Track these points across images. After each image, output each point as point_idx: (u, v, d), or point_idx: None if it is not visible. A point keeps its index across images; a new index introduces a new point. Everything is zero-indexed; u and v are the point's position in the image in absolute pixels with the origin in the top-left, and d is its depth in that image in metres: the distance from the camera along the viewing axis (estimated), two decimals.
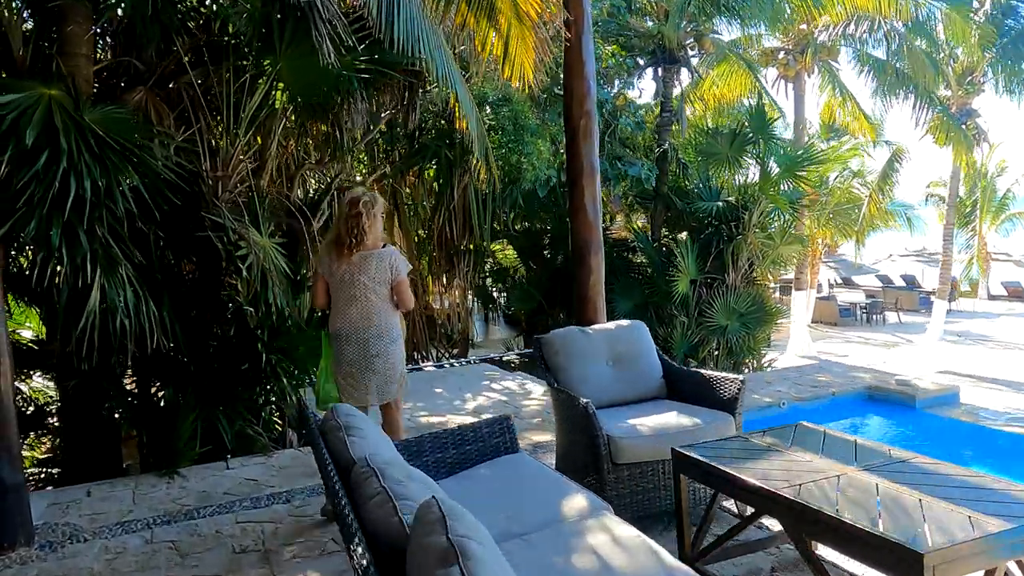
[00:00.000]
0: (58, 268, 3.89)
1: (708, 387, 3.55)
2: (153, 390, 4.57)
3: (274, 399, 4.75)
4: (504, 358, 9.56)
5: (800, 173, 8.89)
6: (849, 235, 16.55)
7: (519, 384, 7.19)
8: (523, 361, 9.52)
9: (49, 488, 4.82)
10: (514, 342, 10.70)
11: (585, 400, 3.08)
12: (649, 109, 10.76)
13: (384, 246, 3.81)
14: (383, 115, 7.00)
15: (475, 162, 6.67)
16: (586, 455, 3.12)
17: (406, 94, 5.91)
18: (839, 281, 26.94)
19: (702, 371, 3.59)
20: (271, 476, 4.19)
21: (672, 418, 3.26)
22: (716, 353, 9.39)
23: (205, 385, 4.36)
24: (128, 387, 4.33)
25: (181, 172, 4.66)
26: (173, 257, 4.99)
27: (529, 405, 6.18)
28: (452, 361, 9.18)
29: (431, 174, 9.73)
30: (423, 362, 10.22)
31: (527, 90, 4.89)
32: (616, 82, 10.18)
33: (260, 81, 4.94)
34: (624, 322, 3.78)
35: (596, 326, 3.57)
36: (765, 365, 9.93)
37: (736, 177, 10.02)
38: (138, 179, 4.09)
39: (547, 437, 4.91)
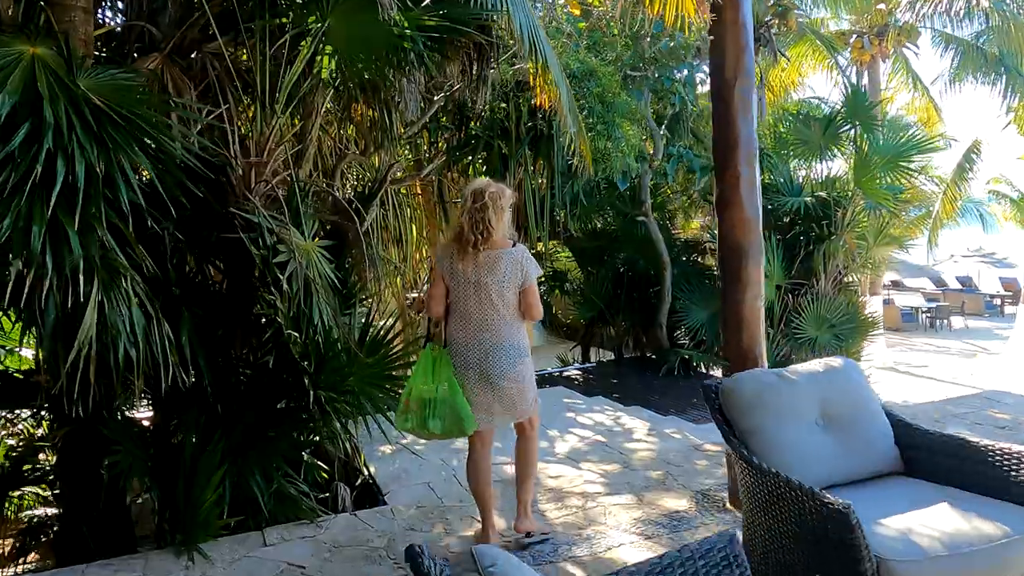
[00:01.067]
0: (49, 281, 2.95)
1: (984, 462, 2.38)
2: (170, 437, 3.60)
3: (324, 444, 3.78)
4: (564, 373, 8.52)
5: (905, 163, 7.77)
6: (915, 234, 15.33)
7: (611, 416, 6.10)
8: (587, 379, 8.48)
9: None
10: (570, 355, 9.65)
11: (843, 505, 1.95)
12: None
13: (514, 245, 3.36)
14: (443, 93, 6.01)
15: (567, 144, 5.62)
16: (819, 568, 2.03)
17: (474, 64, 4.93)
18: (889, 284, 25.57)
19: (966, 437, 2.49)
20: (323, 560, 3.21)
21: (956, 519, 2.14)
22: None
23: (235, 430, 3.39)
24: (137, 432, 3.37)
25: (205, 156, 3.71)
26: (195, 265, 4.03)
27: (637, 450, 5.09)
28: None
29: (472, 171, 8.74)
30: None
31: (686, 29, 3.83)
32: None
33: (302, 44, 3.97)
34: (834, 362, 2.72)
35: (796, 369, 2.51)
36: None
37: (817, 169, 8.93)
38: (149, 164, 3.13)
39: (681, 503, 3.87)
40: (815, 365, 2.63)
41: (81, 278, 2.83)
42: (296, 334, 3.42)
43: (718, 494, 3.94)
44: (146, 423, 3.73)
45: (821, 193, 8.23)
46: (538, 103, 5.00)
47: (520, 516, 3.48)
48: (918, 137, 7.91)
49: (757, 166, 3.37)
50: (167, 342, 3.15)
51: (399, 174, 6.43)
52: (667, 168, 7.11)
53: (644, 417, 5.99)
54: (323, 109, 4.56)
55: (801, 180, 8.63)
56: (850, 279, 8.61)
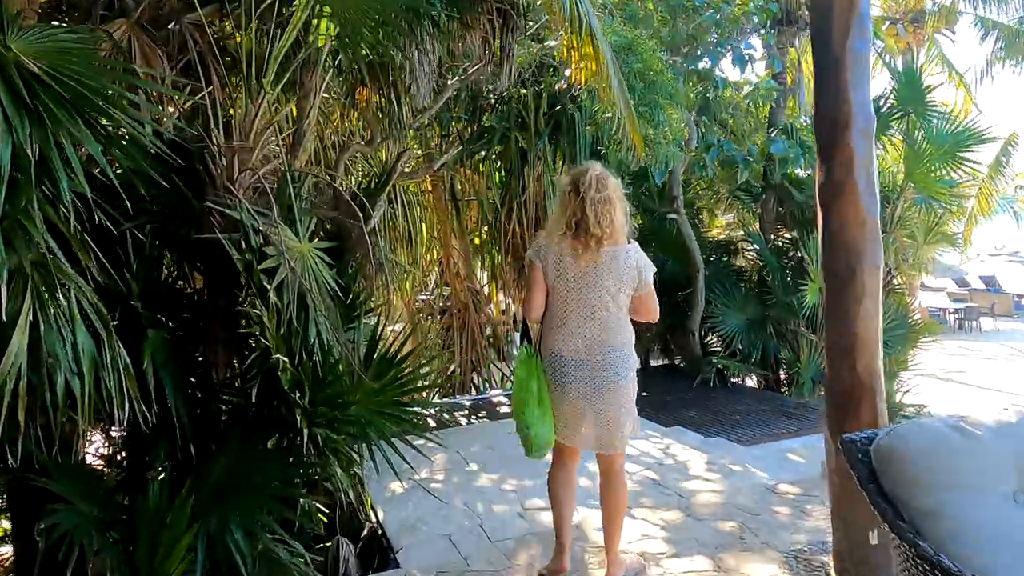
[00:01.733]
0: None
1: None
2: (130, 486, 2.95)
3: (321, 488, 3.14)
4: None
5: (963, 154, 7.09)
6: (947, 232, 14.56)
7: (657, 445, 5.34)
8: None
9: None
10: None
11: None
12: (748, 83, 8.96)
13: (629, 241, 3.03)
14: (457, 78, 5.37)
15: (614, 128, 4.97)
16: None
17: (497, 35, 4.29)
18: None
19: None
20: None
21: None
22: None
23: (212, 476, 2.75)
24: (88, 481, 2.72)
25: (180, 141, 3.08)
26: (171, 273, 3.40)
27: (697, 492, 4.33)
28: None
29: (486, 166, 8.09)
30: (490, 389, 8.58)
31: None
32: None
33: (296, 4, 3.33)
34: None
35: (976, 420, 1.83)
36: (920, 408, 8.07)
37: None
38: (100, 146, 2.49)
39: (770, 570, 3.20)
40: (1005, 414, 1.95)
41: (3, 291, 2.19)
42: (285, 359, 2.76)
43: (817, 557, 3.28)
44: (103, 468, 3.09)
45: None
46: (573, 79, 4.34)
47: (611, 565, 3.14)
48: (976, 126, 7.23)
49: (874, 146, 2.70)
50: (123, 369, 2.50)
51: (408, 167, 5.76)
52: (706, 159, 6.43)
53: (691, 442, 5.29)
54: (321, 88, 3.91)
55: None
56: (898, 280, 7.94)
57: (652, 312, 3.13)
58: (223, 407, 3.03)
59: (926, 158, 7.09)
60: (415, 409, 3.48)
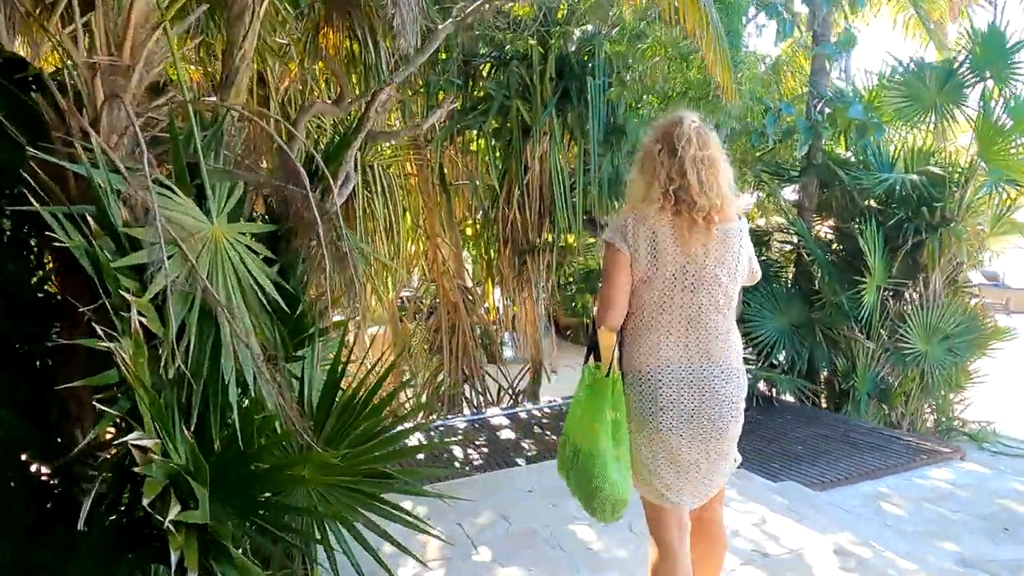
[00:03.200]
0: None
1: None
2: None
3: None
4: None
5: None
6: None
7: (743, 507, 3.83)
8: None
9: None
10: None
11: None
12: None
13: (739, 217, 2.32)
14: (449, 21, 4.14)
15: (716, 74, 3.75)
16: None
17: None
18: None
19: None
20: None
21: None
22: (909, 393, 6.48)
23: None
24: None
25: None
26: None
27: None
28: (536, 405, 6.31)
29: (481, 143, 6.86)
30: (485, 408, 7.35)
31: None
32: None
33: None
34: None
35: None
36: (986, 424, 6.93)
37: (910, 137, 7.11)
38: None
39: None
40: None
41: None
42: (145, 443, 1.52)
43: None
44: None
45: (934, 168, 6.40)
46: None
47: None
48: None
49: None
50: None
51: (387, 115, 4.54)
52: (766, 125, 5.23)
53: (757, 489, 4.03)
54: (261, 6, 2.66)
55: (893, 152, 6.80)
56: (965, 278, 6.81)
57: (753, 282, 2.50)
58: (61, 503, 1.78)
59: (1007, 132, 5.96)
60: (399, 481, 2.26)
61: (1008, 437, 7.06)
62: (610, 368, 2.27)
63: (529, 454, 5.14)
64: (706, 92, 4.30)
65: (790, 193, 7.48)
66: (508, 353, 8.15)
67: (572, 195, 6.48)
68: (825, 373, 6.48)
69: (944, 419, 6.73)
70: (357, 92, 4.13)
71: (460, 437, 5.58)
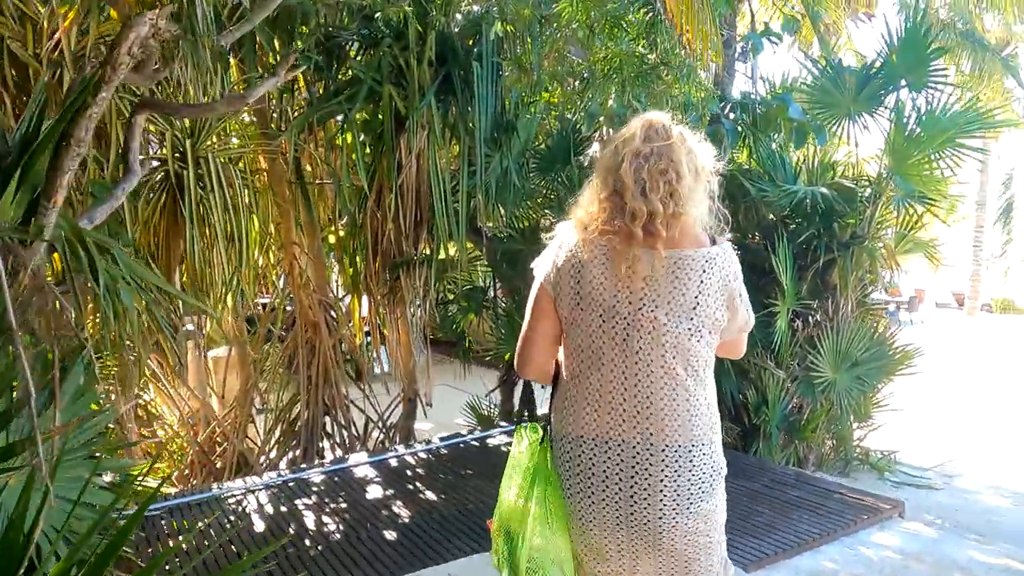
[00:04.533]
0: None
1: None
2: None
3: None
4: (489, 441, 5.73)
5: (964, 140, 5.59)
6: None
7: None
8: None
9: None
10: (487, 401, 6.83)
11: None
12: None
13: (712, 240, 1.81)
14: None
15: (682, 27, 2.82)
16: None
17: None
18: None
19: None
20: None
21: None
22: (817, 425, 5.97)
23: None
24: None
25: None
26: None
27: None
28: (409, 447, 5.26)
29: (347, 136, 5.80)
30: (349, 449, 6.26)
31: None
32: None
33: None
34: None
35: None
36: (889, 454, 6.50)
37: (811, 149, 6.66)
38: None
39: None
40: None
41: None
42: None
43: None
44: None
45: (845, 181, 5.93)
46: None
47: None
48: (979, 107, 5.77)
49: None
50: None
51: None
52: (691, 124, 4.47)
53: None
54: None
55: (796, 163, 6.32)
56: (873, 299, 6.42)
57: (741, 350, 2.04)
58: None
59: (921, 144, 5.55)
60: None
61: (908, 465, 6.76)
62: (547, 430, 1.91)
63: (401, 520, 4.15)
64: (642, 68, 3.48)
65: None
66: (381, 381, 7.08)
67: (454, 200, 5.54)
68: (733, 407, 5.87)
69: (845, 450, 6.31)
70: (171, 57, 3.00)
71: (314, 498, 4.50)
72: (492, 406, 6.73)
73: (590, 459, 1.79)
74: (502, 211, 6.10)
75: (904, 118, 5.57)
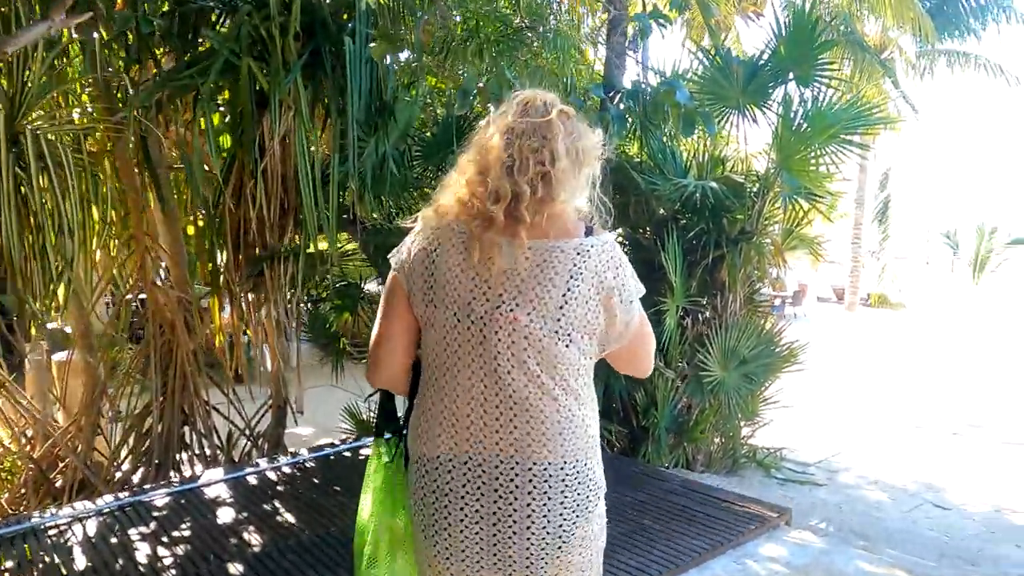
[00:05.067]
0: None
1: None
2: None
3: None
4: (364, 451, 5.28)
5: (850, 136, 5.56)
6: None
7: None
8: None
9: None
10: (366, 407, 6.35)
11: None
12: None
13: (588, 232, 1.58)
14: None
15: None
16: None
17: None
18: None
19: None
20: None
21: None
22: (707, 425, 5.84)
23: None
24: None
25: None
26: None
27: None
28: (273, 462, 4.71)
29: (204, 111, 5.20)
30: (208, 463, 5.63)
31: None
32: None
33: None
34: None
35: None
36: (776, 451, 6.47)
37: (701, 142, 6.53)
38: None
39: None
40: None
41: None
42: None
43: None
44: None
45: (735, 175, 5.81)
46: None
47: None
48: (862, 104, 5.75)
49: None
50: None
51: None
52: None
53: None
54: None
55: (686, 156, 6.19)
56: (760, 296, 6.36)
57: (644, 363, 1.78)
58: None
59: (807, 139, 5.47)
60: None
61: (794, 461, 6.77)
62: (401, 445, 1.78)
63: (251, 548, 3.66)
64: (506, 32, 3.10)
65: None
66: (249, 385, 6.48)
67: (326, 188, 5.05)
68: (622, 409, 5.65)
69: (733, 448, 6.23)
70: None
71: (156, 521, 3.95)
72: (372, 410, 6.26)
73: (446, 483, 1.58)
74: (383, 201, 5.65)
75: (791, 112, 5.48)
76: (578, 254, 1.53)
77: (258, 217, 5.07)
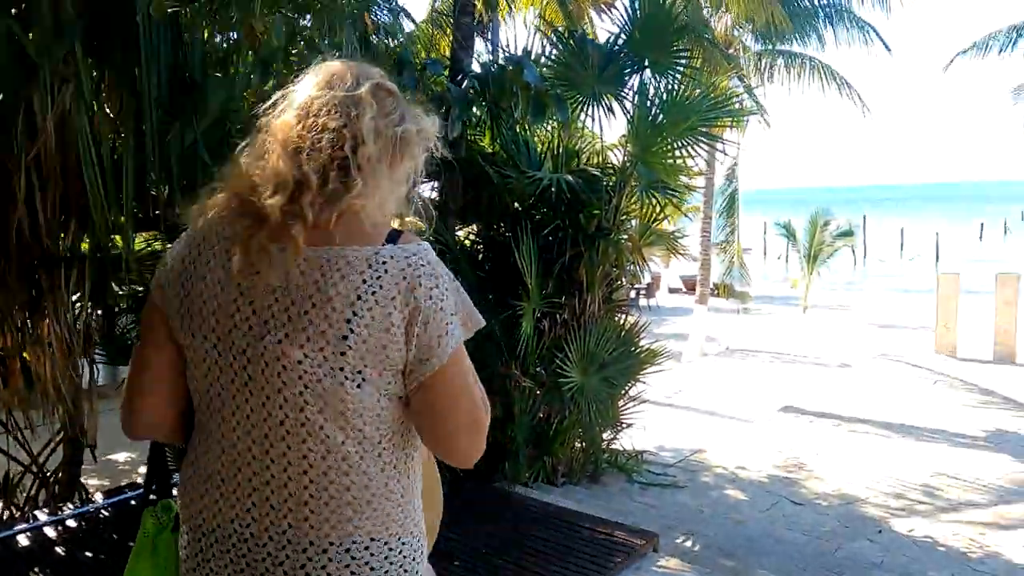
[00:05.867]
0: None
1: None
2: None
3: None
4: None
5: (706, 128, 5.36)
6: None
7: None
8: None
9: None
10: None
11: None
12: None
13: (390, 239, 1.22)
14: None
15: None
16: None
17: None
18: None
19: None
20: None
21: None
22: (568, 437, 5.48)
23: None
24: None
25: None
26: None
27: None
28: (55, 515, 3.83)
29: None
30: None
31: None
32: None
33: None
34: None
35: None
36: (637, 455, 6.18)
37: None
38: None
39: None
40: None
41: None
42: None
43: None
44: None
45: (591, 168, 5.47)
46: None
47: None
48: (716, 97, 5.56)
49: None
50: None
51: None
52: (407, 85, 3.55)
53: None
54: None
55: (541, 148, 5.80)
56: (620, 295, 6.08)
57: (460, 439, 1.27)
58: None
59: (663, 130, 5.22)
60: None
61: (655, 463, 6.59)
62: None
63: None
64: None
65: (430, 191, 6.08)
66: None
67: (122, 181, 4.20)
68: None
69: (595, 455, 5.93)
70: None
71: None
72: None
73: (208, 562, 1.25)
74: (196, 196, 4.84)
75: (647, 102, 5.21)
76: (370, 266, 1.17)
77: (29, 213, 4.15)
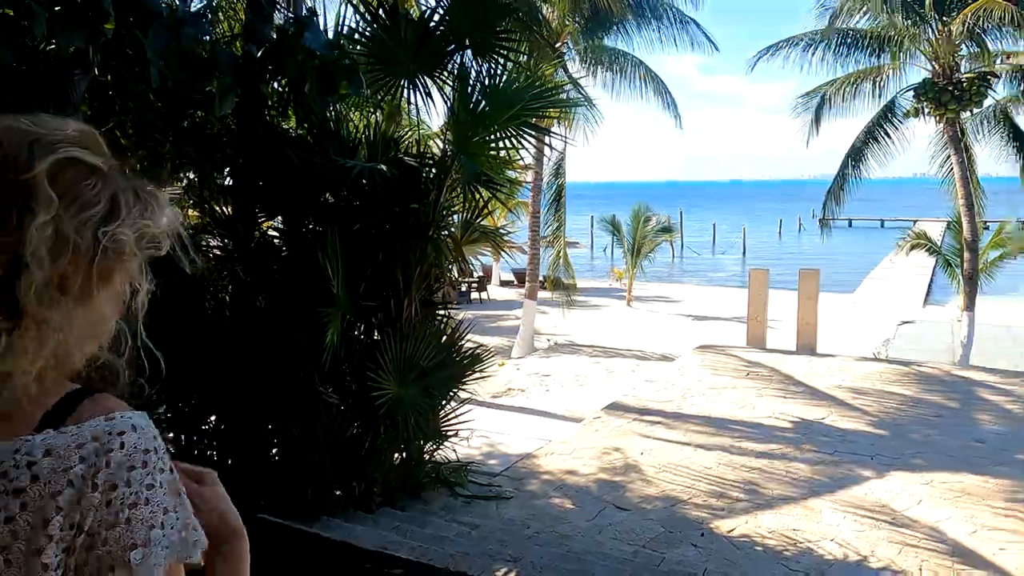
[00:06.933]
0: None
1: None
2: None
3: None
4: None
5: (528, 117, 5.00)
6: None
7: None
8: None
9: None
10: None
11: None
12: None
13: (64, 406, 0.77)
14: None
15: None
16: None
17: None
18: None
19: None
20: None
21: None
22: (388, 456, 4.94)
23: None
24: None
25: None
26: None
27: None
28: None
29: None
30: None
31: None
32: None
33: None
34: None
35: None
36: (462, 465, 5.74)
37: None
38: None
39: None
40: None
41: None
42: None
43: None
44: None
45: (409, 158, 4.95)
46: None
47: None
48: (543, 85, 5.23)
49: None
50: None
51: None
52: (150, 46, 2.71)
53: None
54: None
55: (355, 134, 5.22)
56: (441, 296, 5.61)
57: None
58: None
59: (485, 119, 4.80)
60: None
61: (481, 473, 6.23)
62: None
63: None
64: None
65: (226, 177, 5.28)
66: None
67: None
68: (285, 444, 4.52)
69: (416, 471, 5.47)
70: None
71: None
72: None
73: None
74: None
75: (468, 87, 4.77)
76: (14, 466, 0.72)
77: None
